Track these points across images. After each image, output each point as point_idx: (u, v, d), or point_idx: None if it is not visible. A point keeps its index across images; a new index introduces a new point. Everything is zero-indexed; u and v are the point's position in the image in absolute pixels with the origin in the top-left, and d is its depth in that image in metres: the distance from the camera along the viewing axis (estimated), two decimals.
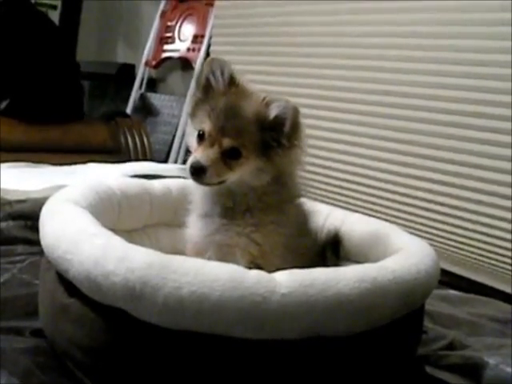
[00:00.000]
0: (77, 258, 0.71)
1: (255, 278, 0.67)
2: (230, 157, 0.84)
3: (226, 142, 0.84)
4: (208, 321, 0.65)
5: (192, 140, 0.88)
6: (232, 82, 0.88)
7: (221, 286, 0.65)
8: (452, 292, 1.40)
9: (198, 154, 0.84)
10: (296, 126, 0.85)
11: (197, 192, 0.92)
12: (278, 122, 0.85)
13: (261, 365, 0.68)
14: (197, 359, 0.68)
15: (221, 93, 0.88)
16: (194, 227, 0.91)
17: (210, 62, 0.90)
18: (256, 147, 0.85)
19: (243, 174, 0.85)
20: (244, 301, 0.65)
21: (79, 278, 0.71)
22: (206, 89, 0.89)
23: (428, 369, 0.95)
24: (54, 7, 3.61)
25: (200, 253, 0.88)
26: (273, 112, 0.85)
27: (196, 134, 0.87)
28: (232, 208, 0.88)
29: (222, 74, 0.88)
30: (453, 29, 1.92)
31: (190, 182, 0.92)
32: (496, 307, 1.32)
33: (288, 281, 0.68)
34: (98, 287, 0.68)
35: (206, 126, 0.85)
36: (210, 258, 0.86)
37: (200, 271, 0.66)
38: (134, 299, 0.66)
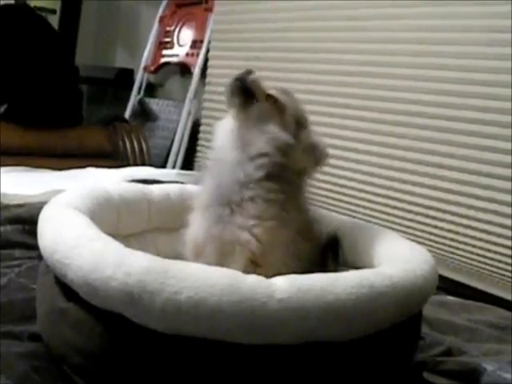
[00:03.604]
0: (75, 262, 0.71)
1: (253, 283, 0.67)
2: None
3: None
4: (206, 326, 0.65)
5: None
6: None
7: (219, 291, 0.65)
8: (450, 298, 1.40)
9: None
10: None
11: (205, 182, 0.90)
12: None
13: (259, 370, 0.68)
14: (194, 364, 0.68)
15: None
16: (195, 222, 0.90)
17: None
18: None
19: None
20: (241, 306, 0.65)
21: (77, 283, 0.71)
22: None
23: (425, 375, 0.95)
24: (53, 11, 3.61)
25: (199, 250, 0.87)
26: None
27: None
28: (236, 194, 0.85)
29: None
30: (466, 35, 1.92)
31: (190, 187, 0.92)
32: (494, 313, 1.32)
33: (286, 286, 0.68)
34: (96, 292, 0.69)
35: None
36: (208, 256, 0.86)
37: (198, 276, 0.67)
38: (132, 304, 0.66)
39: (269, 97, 0.87)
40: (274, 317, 0.66)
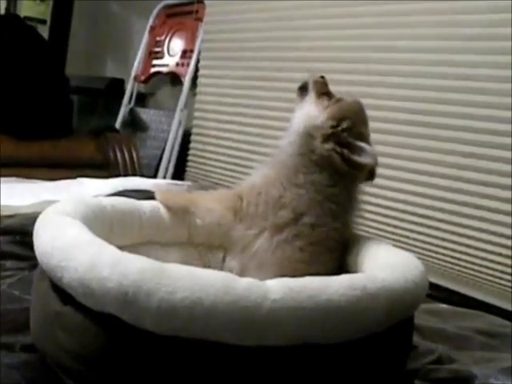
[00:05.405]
0: (71, 264, 0.71)
1: (246, 285, 0.68)
2: None
3: None
4: (200, 326, 0.66)
5: None
6: None
7: (213, 292, 0.66)
8: (442, 306, 1.40)
9: None
10: None
11: None
12: None
13: (252, 371, 0.69)
14: (189, 365, 0.68)
15: None
16: None
17: None
18: None
19: None
20: (235, 307, 0.66)
21: (73, 285, 0.71)
22: None
23: (417, 383, 0.95)
24: (44, 22, 3.62)
25: None
26: None
27: None
28: None
29: None
30: (473, 44, 1.93)
31: None
32: (485, 320, 1.32)
33: (279, 287, 0.69)
34: (92, 293, 0.69)
35: None
36: None
37: (193, 276, 0.67)
38: (128, 304, 0.66)
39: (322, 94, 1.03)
40: (268, 317, 0.66)
